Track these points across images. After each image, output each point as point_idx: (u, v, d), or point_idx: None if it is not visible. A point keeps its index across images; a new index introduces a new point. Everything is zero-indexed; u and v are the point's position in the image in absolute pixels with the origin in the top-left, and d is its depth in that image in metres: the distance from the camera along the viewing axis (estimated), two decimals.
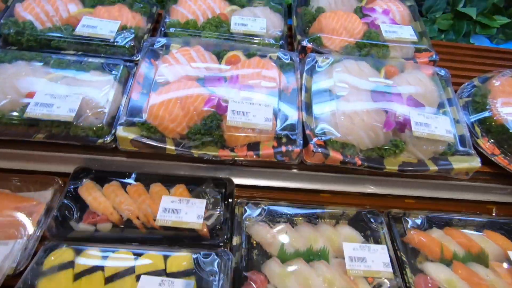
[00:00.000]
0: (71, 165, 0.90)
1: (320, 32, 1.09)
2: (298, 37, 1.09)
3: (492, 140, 0.96)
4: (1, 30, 0.97)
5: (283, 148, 0.84)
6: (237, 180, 0.95)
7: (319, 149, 0.84)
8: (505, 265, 0.87)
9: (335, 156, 0.85)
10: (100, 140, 0.83)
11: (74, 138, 0.83)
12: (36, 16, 1.00)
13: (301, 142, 0.85)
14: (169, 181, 0.91)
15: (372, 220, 0.93)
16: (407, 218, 0.94)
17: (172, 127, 0.81)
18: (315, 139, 0.86)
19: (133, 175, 0.91)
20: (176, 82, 0.86)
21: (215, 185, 0.93)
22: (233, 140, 0.84)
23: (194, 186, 0.92)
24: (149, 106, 0.82)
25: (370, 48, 1.07)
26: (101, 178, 0.90)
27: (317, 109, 0.91)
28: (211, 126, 0.82)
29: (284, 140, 0.86)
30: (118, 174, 0.91)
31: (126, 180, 0.91)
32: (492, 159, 0.95)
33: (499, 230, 0.96)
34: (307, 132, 0.88)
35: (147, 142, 0.81)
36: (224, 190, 0.91)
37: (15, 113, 0.81)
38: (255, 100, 0.86)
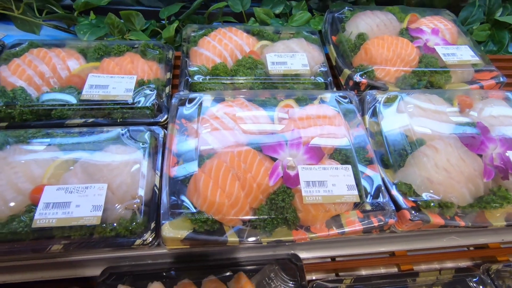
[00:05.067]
0: (97, 267, 0.69)
1: (368, 62, 0.93)
2: (346, 71, 0.93)
3: None
4: None
5: (375, 222, 0.66)
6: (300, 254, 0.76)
7: (417, 216, 0.67)
8: None
9: (436, 220, 0.68)
10: (138, 241, 0.62)
11: (102, 243, 0.62)
12: (29, 80, 0.79)
13: (394, 209, 0.68)
14: (220, 269, 0.72)
15: (473, 282, 0.76)
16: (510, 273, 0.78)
17: (234, 214, 0.62)
18: (407, 202, 0.69)
19: (173, 272, 0.71)
20: (227, 152, 0.67)
21: (280, 268, 0.74)
22: (310, 219, 0.65)
23: (254, 269, 0.73)
24: (201, 190, 0.62)
25: (429, 75, 0.92)
26: (136, 279, 0.69)
27: (397, 160, 0.74)
28: (283, 206, 0.63)
29: (369, 207, 0.68)
30: (155, 274, 0.70)
31: (167, 279, 0.70)
32: None
33: None
34: (392, 192, 0.71)
35: (204, 238, 0.61)
36: (295, 273, 0.72)
37: (19, 223, 0.60)
38: (328, 162, 0.68)
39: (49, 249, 0.61)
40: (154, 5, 1.21)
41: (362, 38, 0.98)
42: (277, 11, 1.14)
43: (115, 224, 0.62)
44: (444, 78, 0.92)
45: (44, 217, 0.59)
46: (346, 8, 1.08)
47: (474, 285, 0.76)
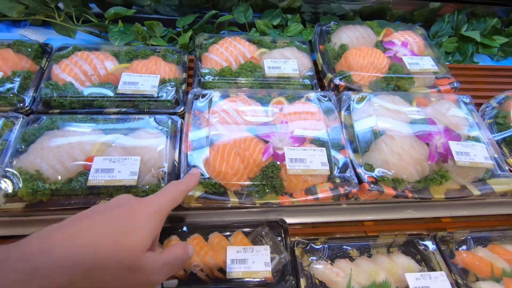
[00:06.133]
0: None
1: (347, 68, 1.14)
2: (329, 75, 1.14)
3: None
4: (42, 93, 0.97)
5: (341, 190, 0.87)
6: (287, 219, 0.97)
7: (374, 187, 0.88)
8: None
9: (389, 191, 0.89)
10: None
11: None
12: (76, 77, 1.00)
13: (357, 182, 0.89)
14: (223, 228, 0.93)
15: (421, 244, 0.98)
16: (452, 240, 0.99)
17: (235, 180, 0.83)
18: (367, 177, 0.90)
19: (185, 228, 0.92)
20: (232, 136, 0.89)
21: (270, 228, 0.95)
22: (292, 187, 0.87)
23: (249, 231, 0.94)
24: (211, 163, 0.84)
25: (396, 80, 1.13)
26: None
27: (363, 146, 0.95)
28: (272, 176, 0.85)
29: (338, 180, 0.90)
30: (171, 229, 0.91)
31: (181, 232, 0.91)
32: None
33: None
34: (358, 170, 0.92)
35: (213, 197, 0.83)
36: (281, 233, 0.94)
37: (76, 183, 0.81)
38: (310, 148, 0.89)
39: (97, 202, 0.82)
40: (170, 14, 1.42)
41: (343, 48, 1.19)
42: (275, 23, 1.35)
43: (147, 187, 0.83)
44: (408, 83, 1.13)
45: (95, 178, 0.81)
46: (332, 22, 1.29)
47: (422, 246, 0.97)
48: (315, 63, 1.25)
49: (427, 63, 1.16)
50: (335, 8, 1.48)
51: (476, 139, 0.99)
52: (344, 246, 0.96)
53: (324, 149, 0.90)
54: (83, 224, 0.49)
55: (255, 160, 0.85)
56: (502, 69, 1.46)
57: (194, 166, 0.85)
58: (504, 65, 1.52)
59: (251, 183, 0.84)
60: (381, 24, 1.31)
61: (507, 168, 0.98)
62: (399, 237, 0.99)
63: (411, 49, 1.22)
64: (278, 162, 0.86)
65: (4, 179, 0.80)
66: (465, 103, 1.10)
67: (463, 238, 1.01)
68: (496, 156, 0.99)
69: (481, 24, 1.48)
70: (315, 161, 0.87)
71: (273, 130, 0.91)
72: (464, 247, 0.99)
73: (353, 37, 1.22)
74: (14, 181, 0.80)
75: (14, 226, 0.87)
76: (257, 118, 0.94)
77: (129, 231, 0.50)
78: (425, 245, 0.97)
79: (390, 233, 1.04)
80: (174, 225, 0.93)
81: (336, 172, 0.88)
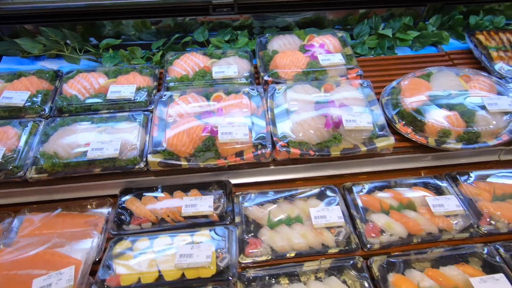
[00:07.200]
0: (117, 188, 1.31)
1: (276, 68, 1.52)
2: (262, 74, 1.53)
3: (406, 124, 1.37)
4: (56, 104, 1.41)
5: (259, 152, 1.24)
6: (234, 181, 1.34)
7: (283, 149, 1.25)
8: (427, 207, 1.25)
9: (295, 151, 1.25)
10: (137, 167, 1.24)
11: (119, 168, 1.24)
12: (78, 91, 1.44)
13: (270, 145, 1.26)
14: (185, 188, 1.31)
15: (330, 193, 1.32)
16: (355, 188, 1.32)
17: (184, 150, 1.23)
18: (280, 143, 1.27)
19: (160, 188, 1.31)
20: (182, 120, 1.29)
21: (218, 186, 1.33)
22: (224, 152, 1.25)
23: (204, 189, 1.32)
24: (167, 139, 1.24)
25: (313, 73, 1.50)
26: (139, 193, 1.30)
27: (279, 122, 1.32)
28: (208, 145, 1.23)
29: (259, 146, 1.27)
30: (150, 189, 1.31)
31: (156, 192, 1.31)
32: (407, 136, 1.35)
33: (424, 186, 1.34)
34: (274, 139, 1.29)
35: (169, 162, 1.22)
36: (225, 188, 1.31)
37: (79, 158, 1.23)
38: (235, 123, 1.28)
39: (93, 171, 1.23)
40: (150, 39, 1.86)
41: (274, 53, 1.58)
42: (226, 38, 1.76)
43: (125, 158, 1.24)
44: (321, 75, 1.50)
45: (92, 153, 1.22)
46: (267, 34, 1.69)
47: (330, 192, 1.31)
48: (256, 66, 1.63)
49: (336, 58, 1.52)
50: (279, 21, 1.88)
51: (364, 111, 1.33)
52: (272, 196, 1.31)
53: (247, 124, 1.28)
54: None
55: (198, 135, 1.25)
56: (416, 57, 1.80)
57: (158, 141, 1.26)
58: (422, 53, 1.85)
59: (195, 151, 1.23)
60: (307, 32, 1.68)
61: (389, 130, 1.32)
62: (314, 188, 1.34)
63: (327, 49, 1.59)
64: (214, 136, 1.25)
65: (35, 159, 1.23)
66: (363, 86, 1.45)
67: (365, 186, 1.34)
68: (382, 123, 1.33)
69: (396, 23, 1.82)
70: (239, 133, 1.25)
71: (211, 115, 1.31)
72: (363, 192, 1.32)
73: (281, 44, 1.60)
74: (41, 161, 1.23)
75: (41, 194, 1.29)
76: (201, 108, 1.34)
77: None
78: (334, 191, 1.31)
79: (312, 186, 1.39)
80: (152, 187, 1.32)
81: (254, 139, 1.25)
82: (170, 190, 1.31)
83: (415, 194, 1.30)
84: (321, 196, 1.31)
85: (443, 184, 1.34)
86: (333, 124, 1.29)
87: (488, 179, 1.36)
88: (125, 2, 1.55)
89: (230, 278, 1.04)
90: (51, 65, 1.76)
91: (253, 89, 1.43)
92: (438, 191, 1.31)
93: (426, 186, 1.34)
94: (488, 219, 1.23)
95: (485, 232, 1.20)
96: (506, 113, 1.37)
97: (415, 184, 1.35)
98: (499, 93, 1.46)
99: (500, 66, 1.62)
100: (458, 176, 1.37)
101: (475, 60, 1.73)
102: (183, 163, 1.24)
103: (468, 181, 1.35)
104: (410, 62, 1.76)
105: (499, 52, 1.67)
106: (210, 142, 1.24)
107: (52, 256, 1.09)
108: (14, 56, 1.76)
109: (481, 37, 1.75)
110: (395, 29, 1.83)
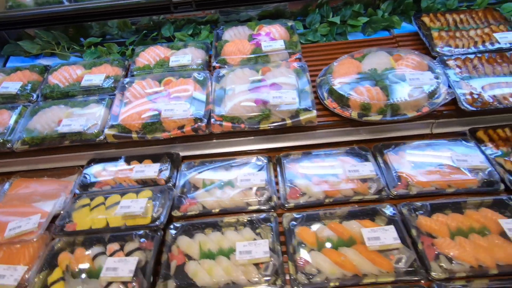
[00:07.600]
0: (84, 159, 1.58)
1: (225, 55, 1.73)
2: (212, 61, 1.74)
3: (333, 100, 1.52)
4: (42, 91, 1.72)
5: (197, 125, 1.46)
6: (185, 153, 1.57)
7: (217, 122, 1.45)
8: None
9: (227, 125, 1.45)
10: (97, 139, 1.50)
11: (84, 141, 1.51)
12: (60, 80, 1.74)
13: (206, 120, 1.47)
14: (141, 159, 1.56)
15: (261, 162, 1.50)
16: (283, 158, 1.49)
17: (134, 124, 1.47)
18: (216, 117, 1.47)
19: (121, 159, 1.57)
20: (135, 101, 1.53)
21: (168, 157, 1.56)
22: (168, 126, 1.48)
23: (158, 160, 1.55)
24: (121, 116, 1.49)
25: (256, 59, 1.69)
26: (103, 163, 1.56)
27: (218, 100, 1.53)
28: (154, 121, 1.47)
29: (199, 122, 1.48)
30: (112, 159, 1.57)
31: (117, 162, 1.56)
32: (334, 111, 1.50)
33: (353, 156, 1.48)
34: (212, 115, 1.49)
35: (122, 134, 1.47)
36: (172, 158, 1.54)
37: (53, 133, 1.51)
38: (177, 102, 1.50)
39: (64, 143, 1.51)
40: (128, 36, 2.14)
41: (225, 42, 1.78)
42: (190, 32, 1.99)
43: (89, 132, 1.50)
44: (264, 60, 1.68)
45: (62, 128, 1.50)
46: (222, 27, 1.89)
47: (258, 161, 1.49)
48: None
49: (278, 45, 1.70)
50: (242, 15, 2.08)
51: (291, 89, 1.50)
52: (209, 164, 1.52)
53: (187, 103, 1.49)
54: None
55: (145, 111, 1.49)
56: (365, 41, 1.91)
57: (115, 118, 1.51)
58: (374, 37, 1.96)
59: (143, 125, 1.47)
60: (258, 23, 1.87)
61: (314, 106, 1.47)
62: (246, 158, 1.52)
63: (273, 37, 1.76)
64: (159, 112, 1.48)
65: (20, 135, 1.54)
66: (300, 69, 1.61)
67: (293, 156, 1.51)
68: (310, 100, 1.49)
69: (347, 11, 1.95)
70: (180, 110, 1.47)
71: (159, 97, 1.54)
72: (290, 161, 1.49)
73: (232, 34, 1.80)
74: (24, 135, 1.53)
75: (28, 164, 1.60)
76: (153, 90, 1.58)
77: None
78: (263, 160, 1.49)
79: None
80: (115, 157, 1.58)
81: (196, 116, 1.47)
82: (128, 160, 1.56)
83: (337, 163, 1.45)
84: (252, 165, 1.49)
85: (366, 154, 1.47)
86: (261, 100, 1.47)
87: (409, 150, 1.46)
88: (95, 6, 1.84)
89: (157, 223, 1.26)
90: (47, 62, 2.09)
91: (199, 74, 1.64)
92: (363, 159, 1.45)
93: (351, 155, 1.48)
94: (405, 185, 1.35)
95: (396, 194, 1.32)
96: (429, 87, 1.47)
97: (342, 154, 1.50)
98: (430, 71, 1.55)
99: (440, 45, 1.70)
100: (382, 147, 1.49)
101: (421, 41, 1.82)
102: (134, 135, 1.48)
103: (391, 152, 1.47)
104: (359, 46, 1.87)
105: (441, 32, 1.75)
106: (156, 118, 1.47)
107: (27, 208, 1.38)
108: (18, 56, 2.12)
109: (426, 19, 1.83)
110: (347, 16, 1.96)
